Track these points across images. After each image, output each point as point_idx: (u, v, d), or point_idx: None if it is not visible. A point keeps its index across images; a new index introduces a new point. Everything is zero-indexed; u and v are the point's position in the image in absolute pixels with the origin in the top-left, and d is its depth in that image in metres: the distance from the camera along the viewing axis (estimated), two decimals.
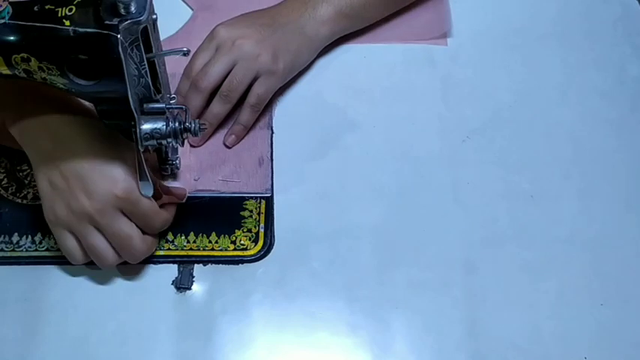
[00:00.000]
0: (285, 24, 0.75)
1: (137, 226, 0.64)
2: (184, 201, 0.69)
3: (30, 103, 0.63)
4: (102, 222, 0.62)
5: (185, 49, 0.57)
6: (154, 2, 0.55)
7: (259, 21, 0.75)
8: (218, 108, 0.73)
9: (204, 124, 0.62)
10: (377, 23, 0.81)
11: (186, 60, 0.74)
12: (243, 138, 0.75)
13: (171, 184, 0.71)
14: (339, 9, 0.77)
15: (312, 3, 0.76)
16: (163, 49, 0.60)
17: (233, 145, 0.75)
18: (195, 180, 0.72)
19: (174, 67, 0.74)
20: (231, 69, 0.72)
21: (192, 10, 0.83)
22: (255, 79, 0.73)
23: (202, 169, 0.73)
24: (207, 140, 0.75)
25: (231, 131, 0.75)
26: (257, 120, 0.75)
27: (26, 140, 0.63)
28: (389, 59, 0.82)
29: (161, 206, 0.66)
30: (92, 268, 0.67)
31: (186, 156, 0.73)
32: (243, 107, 0.74)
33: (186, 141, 0.71)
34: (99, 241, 0.63)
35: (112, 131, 0.62)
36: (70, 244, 0.64)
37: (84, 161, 0.62)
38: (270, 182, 0.73)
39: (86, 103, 0.61)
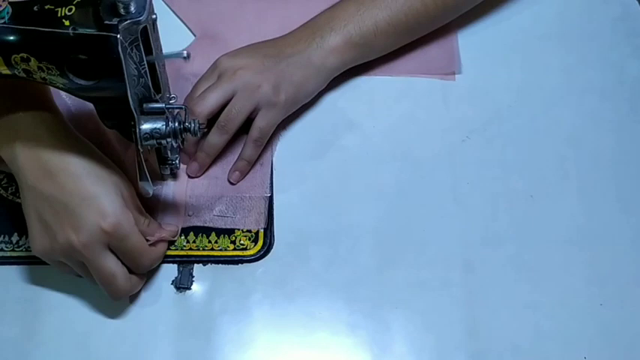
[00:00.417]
0: (290, 55, 0.72)
1: (124, 263, 0.63)
2: (175, 239, 0.69)
3: (22, 126, 0.62)
4: (87, 257, 0.61)
5: (185, 52, 0.57)
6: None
7: (264, 51, 0.73)
8: (215, 139, 0.71)
9: (204, 124, 0.62)
10: (385, 57, 0.79)
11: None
12: (247, 174, 0.73)
13: (164, 218, 0.70)
14: (348, 38, 0.73)
15: (320, 32, 0.73)
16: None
17: (237, 182, 0.73)
18: (189, 215, 0.71)
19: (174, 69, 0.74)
20: (231, 99, 0.70)
21: (195, 36, 0.81)
22: (255, 111, 0.71)
23: (198, 205, 0.72)
24: (205, 171, 0.73)
25: (234, 167, 0.72)
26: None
27: (17, 169, 0.62)
28: None
29: (152, 244, 0.65)
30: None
31: (183, 191, 0.72)
32: (246, 142, 0.72)
33: (184, 176, 0.72)
34: (83, 274, 0.64)
35: (103, 160, 0.62)
36: (59, 265, 0.64)
37: (73, 193, 0.60)
38: (268, 183, 0.73)
39: (87, 103, 0.61)
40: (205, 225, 0.71)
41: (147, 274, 0.68)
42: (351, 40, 0.74)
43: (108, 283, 0.62)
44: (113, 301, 0.65)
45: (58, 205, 0.60)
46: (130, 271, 0.64)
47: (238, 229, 0.71)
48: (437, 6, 0.76)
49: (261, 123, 0.71)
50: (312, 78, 0.74)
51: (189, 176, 0.73)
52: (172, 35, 0.76)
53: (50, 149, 0.61)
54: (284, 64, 0.72)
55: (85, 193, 0.60)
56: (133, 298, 0.68)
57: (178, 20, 0.82)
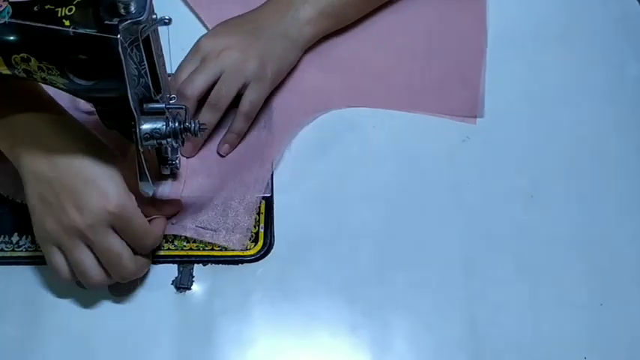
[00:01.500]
0: (267, 28, 0.74)
1: (128, 245, 0.63)
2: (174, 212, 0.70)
3: (21, 117, 0.62)
4: (92, 238, 0.61)
5: (167, 17, 0.56)
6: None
7: (242, 29, 0.74)
8: (207, 117, 0.72)
9: (204, 124, 0.62)
10: (405, 87, 0.79)
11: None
12: (236, 146, 0.74)
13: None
14: (320, 9, 0.76)
15: (293, 5, 0.76)
16: None
17: (227, 154, 0.74)
18: (172, 223, 0.70)
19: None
20: (217, 79, 0.71)
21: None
22: (243, 87, 0.72)
23: (184, 213, 0.71)
24: (199, 150, 0.74)
25: (224, 140, 0.74)
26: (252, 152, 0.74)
27: (17, 155, 0.62)
28: None
29: (150, 221, 0.65)
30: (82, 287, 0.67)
31: (178, 191, 0.72)
32: (237, 116, 0.73)
33: (183, 176, 0.72)
34: (85, 257, 0.62)
35: (104, 147, 0.62)
36: (58, 260, 0.63)
37: (76, 176, 0.61)
38: (267, 182, 0.73)
39: (87, 104, 0.61)
40: (186, 235, 0.70)
41: (146, 273, 0.68)
42: (324, 11, 0.77)
43: (115, 263, 0.63)
44: (122, 282, 0.65)
45: (61, 187, 0.61)
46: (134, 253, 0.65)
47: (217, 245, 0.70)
48: None
49: (251, 97, 0.73)
50: (291, 50, 0.76)
51: (183, 155, 0.73)
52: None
53: (50, 135, 0.61)
54: (264, 39, 0.74)
55: (88, 175, 0.61)
56: (133, 298, 0.68)
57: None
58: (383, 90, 0.79)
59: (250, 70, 0.72)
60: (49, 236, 0.62)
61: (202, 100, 0.72)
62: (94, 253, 0.62)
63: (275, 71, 0.74)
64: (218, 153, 0.74)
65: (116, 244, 0.62)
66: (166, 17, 0.55)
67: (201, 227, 0.70)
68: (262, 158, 0.74)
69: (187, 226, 0.70)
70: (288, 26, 0.75)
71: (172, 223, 0.70)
